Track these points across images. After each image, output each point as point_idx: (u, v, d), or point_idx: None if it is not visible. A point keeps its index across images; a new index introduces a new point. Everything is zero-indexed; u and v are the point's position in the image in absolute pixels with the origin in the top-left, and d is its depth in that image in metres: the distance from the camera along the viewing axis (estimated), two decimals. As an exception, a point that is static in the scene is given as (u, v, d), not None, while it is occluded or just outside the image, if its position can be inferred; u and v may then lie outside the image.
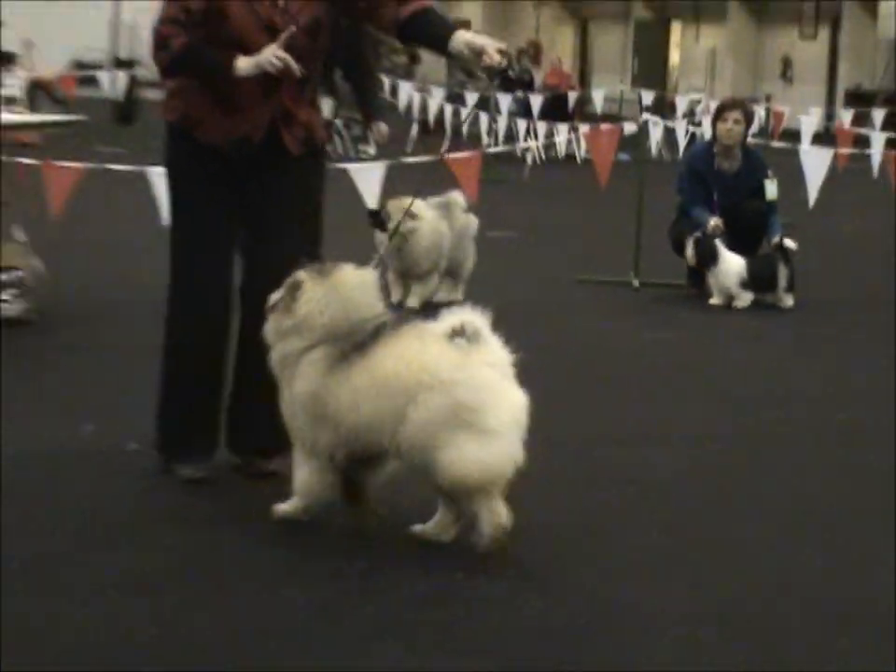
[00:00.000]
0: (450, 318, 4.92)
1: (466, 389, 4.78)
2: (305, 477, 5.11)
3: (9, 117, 10.21)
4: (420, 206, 9.06)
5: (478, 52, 5.23)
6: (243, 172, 5.54)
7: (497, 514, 4.82)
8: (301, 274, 5.08)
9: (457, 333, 4.85)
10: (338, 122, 10.21)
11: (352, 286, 5.11)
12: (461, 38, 5.26)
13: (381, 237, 9.10)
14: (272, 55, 5.25)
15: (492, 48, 5.21)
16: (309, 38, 5.46)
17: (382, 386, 4.88)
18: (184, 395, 5.66)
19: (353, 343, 4.97)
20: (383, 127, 9.18)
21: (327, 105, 6.74)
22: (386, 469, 5.13)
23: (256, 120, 5.45)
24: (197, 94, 5.47)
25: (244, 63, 5.29)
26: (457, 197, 9.83)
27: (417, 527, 4.99)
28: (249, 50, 5.35)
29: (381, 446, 4.97)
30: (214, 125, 5.47)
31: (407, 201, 8.96)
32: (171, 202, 5.68)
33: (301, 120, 5.53)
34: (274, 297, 5.11)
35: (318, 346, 5.02)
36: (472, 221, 9.95)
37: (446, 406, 4.77)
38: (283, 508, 5.18)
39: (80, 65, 29.49)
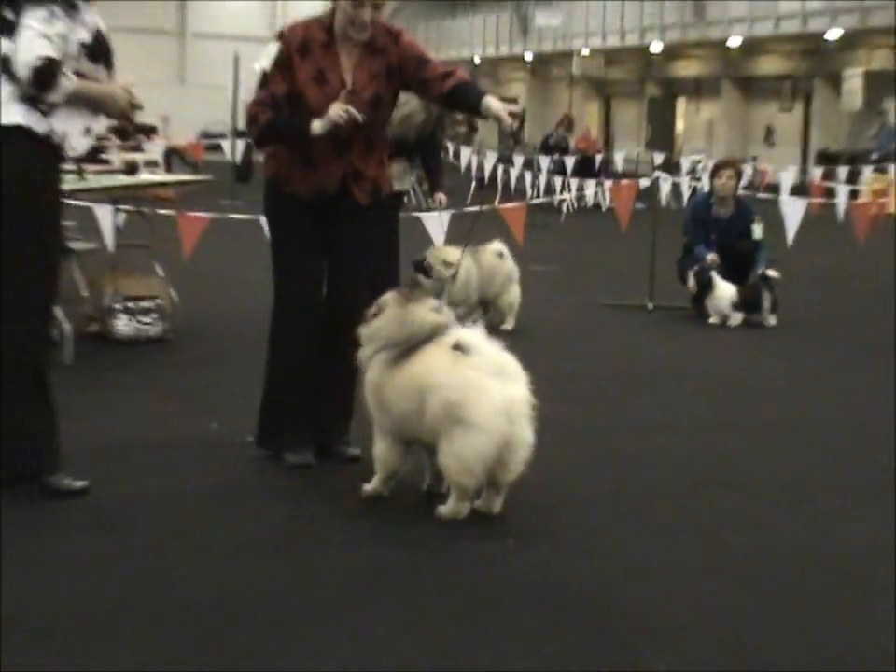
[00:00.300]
0: (453, 335, 4.92)
1: (453, 389, 4.75)
2: (381, 450, 5.13)
3: (151, 176, 10.29)
4: (454, 254, 9.03)
5: (495, 117, 5.23)
6: (323, 217, 5.54)
7: (456, 508, 4.87)
8: (390, 296, 5.17)
9: (456, 347, 4.84)
10: (413, 180, 10.23)
11: (416, 315, 5.11)
12: (486, 103, 5.24)
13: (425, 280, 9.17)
14: (339, 110, 5.26)
15: (504, 112, 5.20)
16: (372, 110, 5.46)
17: (409, 388, 4.93)
18: (285, 396, 5.64)
19: (400, 351, 5.02)
20: (443, 198, 9.28)
21: (403, 167, 6.83)
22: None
23: (330, 177, 5.46)
24: (285, 157, 5.48)
25: (317, 124, 5.30)
26: (495, 247, 9.74)
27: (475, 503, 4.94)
28: None
29: (417, 434, 4.99)
30: (298, 181, 5.47)
31: (444, 251, 9.01)
32: (271, 242, 5.67)
33: (369, 176, 5.53)
34: (371, 310, 5.18)
35: (381, 351, 5.08)
36: (510, 268, 9.76)
37: (441, 403, 4.77)
38: (367, 487, 5.18)
39: (207, 135, 29.71)
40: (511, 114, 5.24)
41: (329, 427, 5.70)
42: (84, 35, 4.80)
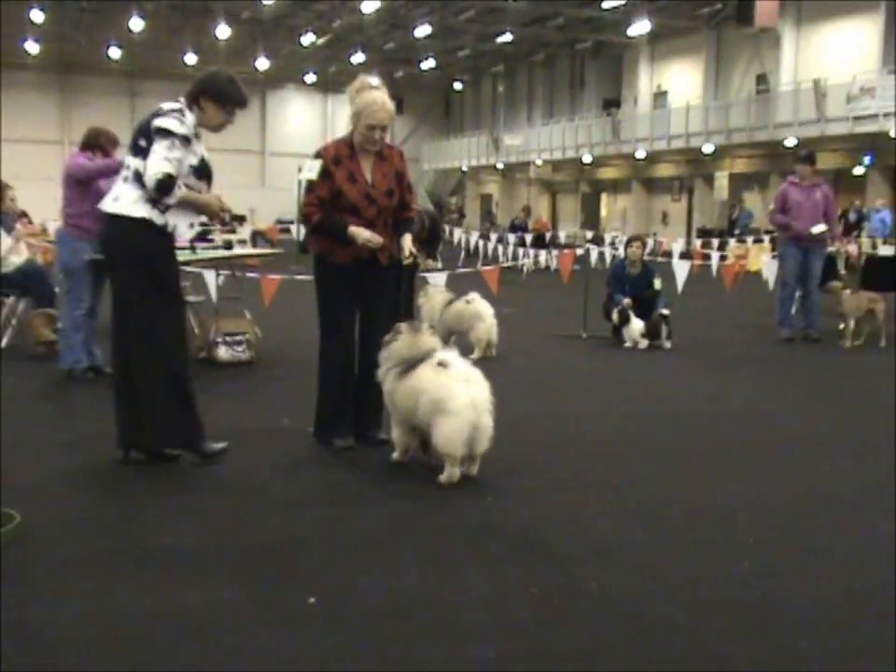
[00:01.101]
0: (438, 356, 5.03)
1: (436, 390, 4.88)
2: (396, 434, 5.23)
3: (242, 250, 10.31)
4: (434, 295, 9.22)
5: (400, 247, 5.45)
6: (356, 275, 5.52)
7: (450, 474, 4.90)
8: (403, 326, 5.26)
9: (440, 364, 4.96)
10: (422, 256, 10.36)
11: (422, 340, 5.21)
12: (402, 239, 5.49)
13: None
14: (367, 237, 5.35)
15: (406, 247, 5.42)
16: (387, 199, 5.49)
17: (409, 393, 5.02)
18: (332, 400, 5.64)
19: (405, 368, 5.10)
20: (435, 263, 9.38)
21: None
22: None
23: (362, 249, 5.44)
24: (330, 237, 5.49)
25: (352, 230, 5.37)
26: (468, 295, 9.54)
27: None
28: (359, 211, 5.41)
29: (416, 423, 5.07)
30: (340, 253, 5.46)
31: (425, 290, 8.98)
32: (318, 294, 5.63)
33: (387, 246, 5.52)
34: (387, 337, 5.27)
35: (396, 367, 5.16)
36: (476, 310, 9.36)
37: (429, 401, 4.88)
38: (394, 455, 5.28)
39: (280, 221, 29.74)
40: (411, 252, 5.42)
41: (364, 419, 5.68)
42: (193, 161, 4.98)
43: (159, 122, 4.87)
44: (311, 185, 5.43)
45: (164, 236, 4.98)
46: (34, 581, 3.52)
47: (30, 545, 3.85)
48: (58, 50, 43.28)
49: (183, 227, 5.06)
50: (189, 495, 4.65)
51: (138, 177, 4.90)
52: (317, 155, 5.50)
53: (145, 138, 4.89)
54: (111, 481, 4.83)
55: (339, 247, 5.45)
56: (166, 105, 4.96)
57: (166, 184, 4.82)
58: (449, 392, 4.84)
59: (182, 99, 5.02)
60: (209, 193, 5.14)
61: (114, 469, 5.03)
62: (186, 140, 4.91)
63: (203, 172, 5.05)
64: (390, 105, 5.37)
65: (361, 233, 5.35)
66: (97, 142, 7.47)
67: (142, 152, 4.90)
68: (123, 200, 4.92)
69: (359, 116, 5.35)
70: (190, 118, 4.97)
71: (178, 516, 4.31)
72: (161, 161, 4.81)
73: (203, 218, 5.34)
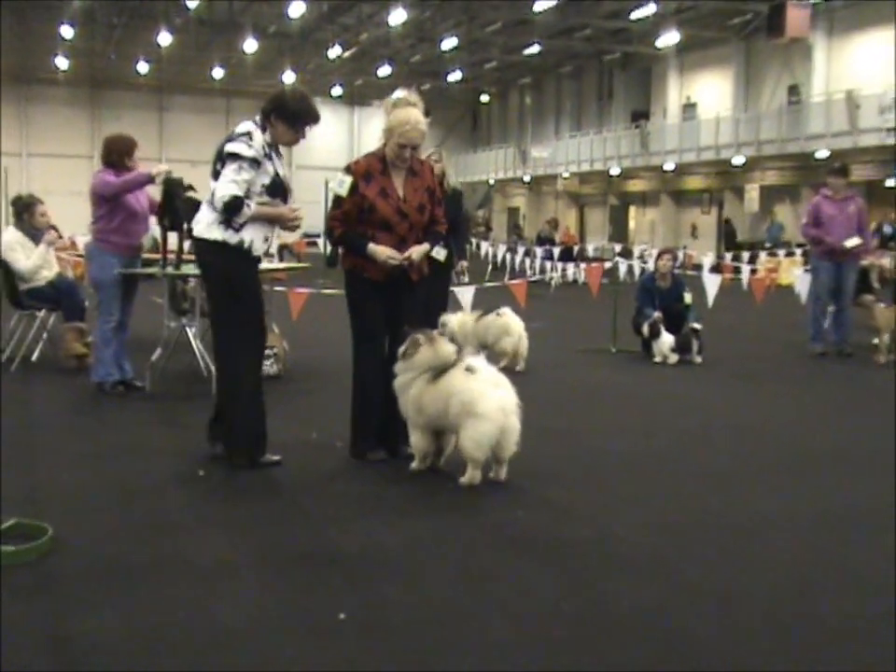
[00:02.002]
0: (466, 361, 5.17)
1: (466, 393, 5.02)
2: (416, 439, 5.33)
3: (269, 265, 10.37)
4: (452, 318, 9.21)
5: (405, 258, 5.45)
6: (386, 291, 5.55)
7: (472, 476, 5.05)
8: (419, 337, 5.32)
9: (468, 369, 5.11)
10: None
11: (442, 349, 5.30)
12: (435, 251, 5.65)
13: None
14: (389, 255, 5.40)
15: (408, 254, 5.43)
16: (419, 214, 5.52)
17: (440, 396, 5.13)
18: (365, 413, 5.67)
19: (434, 374, 5.20)
20: (463, 264, 9.26)
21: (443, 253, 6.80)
22: (451, 439, 5.31)
23: (395, 266, 5.48)
24: (361, 254, 5.54)
25: (371, 249, 5.43)
26: (500, 309, 9.57)
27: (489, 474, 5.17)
28: (392, 226, 5.44)
29: (444, 425, 5.19)
30: (372, 269, 5.49)
31: (447, 317, 9.02)
32: (350, 310, 5.67)
33: (417, 262, 5.56)
34: (401, 348, 5.36)
35: (421, 375, 5.25)
36: (504, 323, 9.43)
37: (459, 403, 5.02)
38: (413, 465, 5.38)
39: (307, 235, 29.86)
40: (406, 259, 5.42)
41: (395, 433, 5.67)
42: (266, 179, 5.27)
43: (228, 147, 5.18)
44: (338, 200, 5.50)
45: (242, 254, 5.28)
46: (67, 592, 3.58)
47: (63, 557, 3.91)
48: (87, 66, 43.84)
49: (259, 242, 5.35)
50: (222, 507, 4.70)
51: (212, 200, 5.26)
52: (347, 170, 5.54)
53: (220, 162, 5.23)
54: (142, 493, 4.89)
55: (370, 263, 5.48)
56: (238, 129, 5.28)
57: (232, 205, 5.15)
58: (478, 395, 5.00)
59: (257, 118, 5.32)
60: (282, 206, 5.40)
61: (145, 481, 5.10)
62: (254, 162, 5.19)
63: (276, 189, 5.34)
64: (423, 124, 5.40)
65: (381, 251, 5.40)
66: (110, 159, 7.52)
67: (217, 176, 5.24)
68: (202, 223, 5.30)
69: (392, 132, 5.40)
70: (259, 138, 5.25)
71: (211, 528, 4.36)
72: (228, 183, 5.14)
73: (278, 233, 5.62)
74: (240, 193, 5.14)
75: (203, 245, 5.33)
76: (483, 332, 9.54)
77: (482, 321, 9.58)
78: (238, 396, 5.36)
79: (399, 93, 5.46)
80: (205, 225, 5.28)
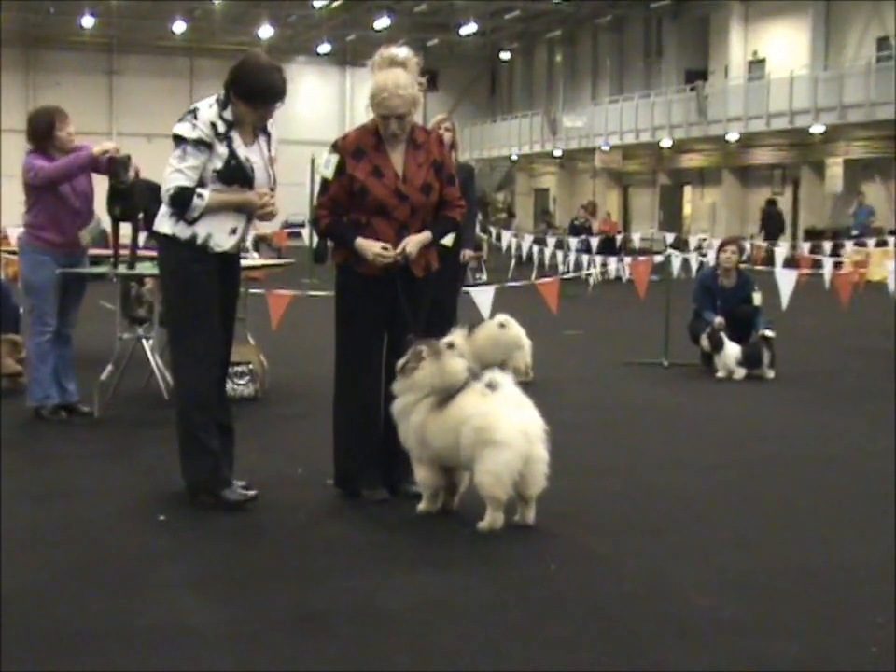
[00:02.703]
0: (486, 376, 5.17)
1: (481, 418, 4.99)
2: (423, 475, 5.32)
3: (244, 262, 10.38)
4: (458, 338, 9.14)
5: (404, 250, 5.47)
6: (387, 289, 5.53)
7: (493, 520, 5.04)
8: (423, 349, 5.31)
9: (489, 385, 5.11)
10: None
11: (449, 365, 5.29)
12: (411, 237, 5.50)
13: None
14: (377, 251, 5.42)
15: (402, 247, 5.43)
16: (424, 195, 5.53)
17: (448, 426, 5.12)
18: (356, 442, 5.64)
19: (442, 398, 5.19)
20: (468, 253, 9.15)
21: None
22: (466, 474, 5.30)
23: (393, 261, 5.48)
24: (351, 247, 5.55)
25: (359, 244, 5.45)
26: (498, 318, 9.56)
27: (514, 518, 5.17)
28: (388, 210, 5.47)
29: (454, 461, 5.18)
30: (366, 263, 5.49)
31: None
32: (337, 315, 5.69)
33: (423, 254, 5.57)
34: (401, 361, 5.34)
35: (425, 399, 5.24)
36: (512, 335, 9.45)
37: (472, 431, 4.99)
38: (420, 506, 5.38)
39: (289, 225, 29.91)
40: (401, 252, 5.43)
41: (396, 468, 5.67)
42: (218, 164, 5.36)
43: (174, 129, 5.35)
44: (325, 183, 5.56)
45: (194, 250, 5.38)
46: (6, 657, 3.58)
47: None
48: (20, 21, 44.01)
49: (221, 235, 5.44)
50: (186, 560, 4.70)
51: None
52: (334, 147, 5.59)
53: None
54: (89, 543, 4.90)
55: (362, 257, 5.50)
56: (194, 104, 5.44)
57: (179, 197, 5.32)
58: (496, 419, 4.97)
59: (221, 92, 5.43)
60: (247, 192, 5.47)
61: (93, 528, 5.10)
62: (200, 143, 5.32)
63: (231, 175, 5.41)
64: (407, 88, 5.37)
65: (370, 247, 5.40)
66: (36, 139, 7.44)
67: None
68: (158, 215, 5.49)
69: (371, 101, 5.45)
70: (207, 115, 5.35)
71: (173, 587, 4.36)
72: (173, 173, 5.32)
73: (259, 224, 5.69)
74: (186, 183, 5.31)
75: (157, 240, 5.57)
76: (484, 349, 9.35)
77: (478, 335, 9.40)
78: (189, 417, 5.43)
79: (385, 51, 5.49)
80: (160, 217, 5.47)
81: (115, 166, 7.29)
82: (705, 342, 10.30)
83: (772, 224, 29.59)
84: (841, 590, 4.43)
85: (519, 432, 4.96)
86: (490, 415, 4.99)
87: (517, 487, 5.03)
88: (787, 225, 35.23)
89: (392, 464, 5.67)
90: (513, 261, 24.45)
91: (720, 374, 10.19)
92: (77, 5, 40.81)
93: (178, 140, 5.31)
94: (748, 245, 21.74)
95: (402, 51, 5.48)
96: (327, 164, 5.54)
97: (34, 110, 7.90)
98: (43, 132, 7.43)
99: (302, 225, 26.16)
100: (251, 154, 5.45)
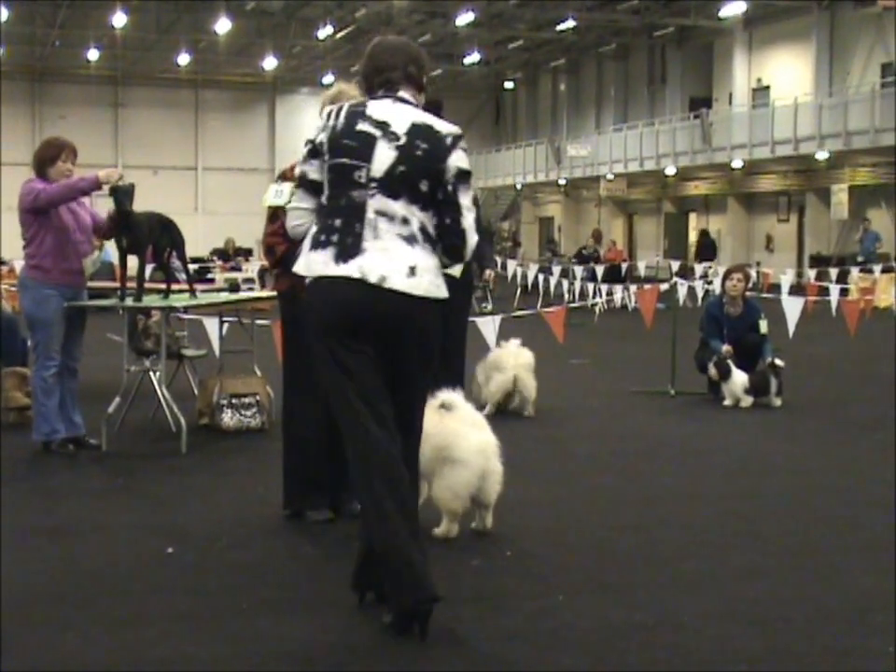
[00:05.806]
0: (437, 397, 5.27)
1: (439, 437, 5.16)
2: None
3: (250, 293, 10.44)
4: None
5: None
6: None
7: (448, 529, 5.33)
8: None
9: (442, 406, 5.28)
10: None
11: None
12: None
13: None
14: None
15: None
16: None
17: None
18: (305, 467, 5.78)
19: None
20: (488, 273, 9.14)
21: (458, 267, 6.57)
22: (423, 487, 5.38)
23: None
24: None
25: None
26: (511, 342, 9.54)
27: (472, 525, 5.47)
28: None
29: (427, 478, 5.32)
30: None
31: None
32: (284, 339, 5.88)
33: None
34: None
35: None
36: (497, 358, 9.44)
37: (431, 449, 5.10)
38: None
39: (294, 256, 29.96)
40: None
41: (342, 490, 5.74)
42: None
43: (465, 163, 4.75)
44: (275, 212, 5.63)
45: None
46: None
47: None
48: (26, 54, 44.34)
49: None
50: (196, 594, 4.69)
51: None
52: (283, 177, 5.67)
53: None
54: (98, 579, 4.89)
55: None
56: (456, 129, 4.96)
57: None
58: (455, 438, 5.19)
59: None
60: None
61: (101, 563, 5.10)
62: None
63: None
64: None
65: None
66: (39, 171, 7.46)
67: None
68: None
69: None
70: None
71: (183, 621, 4.34)
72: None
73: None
74: None
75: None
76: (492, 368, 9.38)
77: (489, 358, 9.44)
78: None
79: (336, 87, 5.58)
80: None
81: (118, 195, 7.32)
82: (712, 370, 10.30)
83: (706, 251, 30.98)
84: (852, 620, 4.42)
85: (477, 450, 5.23)
86: (449, 434, 5.21)
87: (475, 499, 5.32)
88: (779, 250, 35.38)
89: (341, 484, 5.71)
90: (518, 290, 24.47)
91: (727, 402, 10.18)
92: (83, 37, 41.03)
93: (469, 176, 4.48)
94: (753, 273, 21.74)
95: (353, 89, 5.54)
96: (278, 194, 5.61)
97: (49, 137, 7.90)
98: (49, 159, 7.47)
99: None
100: None
